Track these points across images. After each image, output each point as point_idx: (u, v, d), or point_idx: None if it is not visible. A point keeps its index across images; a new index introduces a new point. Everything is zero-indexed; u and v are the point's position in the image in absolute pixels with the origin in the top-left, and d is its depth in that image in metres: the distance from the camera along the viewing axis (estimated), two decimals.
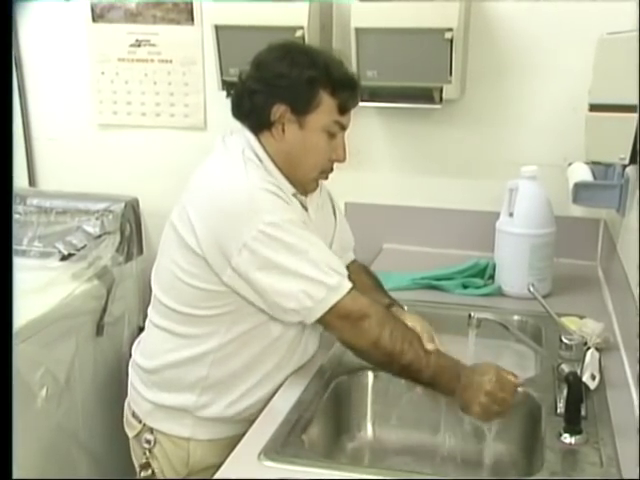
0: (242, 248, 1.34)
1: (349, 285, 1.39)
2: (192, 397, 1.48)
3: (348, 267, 1.64)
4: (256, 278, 1.36)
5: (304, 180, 1.49)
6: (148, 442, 1.53)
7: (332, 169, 1.52)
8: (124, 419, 1.61)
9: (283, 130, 1.43)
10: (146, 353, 1.56)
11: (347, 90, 1.44)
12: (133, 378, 1.59)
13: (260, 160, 1.43)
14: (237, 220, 1.35)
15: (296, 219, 1.40)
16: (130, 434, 1.59)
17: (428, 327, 1.48)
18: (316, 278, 1.35)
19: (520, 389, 1.37)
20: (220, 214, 1.37)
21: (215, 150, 1.49)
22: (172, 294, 1.47)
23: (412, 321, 1.48)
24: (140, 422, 1.55)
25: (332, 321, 1.39)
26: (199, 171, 1.48)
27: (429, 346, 1.39)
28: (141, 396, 1.54)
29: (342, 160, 1.49)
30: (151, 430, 1.53)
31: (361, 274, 1.68)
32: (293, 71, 1.40)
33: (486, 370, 1.34)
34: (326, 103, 1.42)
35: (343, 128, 1.47)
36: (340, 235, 1.67)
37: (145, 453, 1.54)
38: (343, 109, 1.45)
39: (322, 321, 1.40)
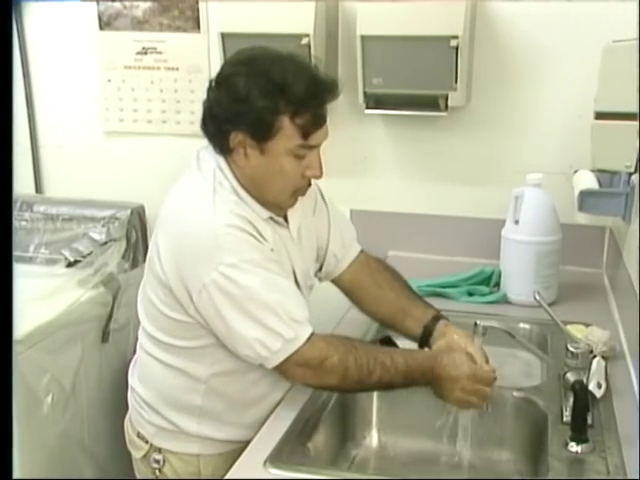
0: (202, 289, 1.30)
1: (307, 333, 1.32)
2: (192, 424, 1.45)
3: (355, 260, 1.63)
4: (214, 320, 1.33)
5: (276, 202, 1.41)
6: (157, 462, 1.49)
7: (309, 184, 1.42)
8: (126, 439, 1.58)
9: (245, 155, 1.34)
10: (142, 380, 1.53)
11: (309, 112, 1.31)
12: (133, 401, 1.56)
13: (231, 185, 1.37)
14: (198, 258, 1.31)
15: (259, 258, 1.32)
16: (137, 455, 1.54)
17: (478, 344, 1.43)
18: (273, 328, 1.30)
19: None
20: (183, 249, 1.34)
21: (190, 169, 1.43)
22: (154, 323, 1.45)
23: (460, 336, 1.45)
24: (147, 443, 1.51)
25: (290, 369, 1.33)
26: (172, 192, 1.43)
27: (486, 367, 1.37)
28: (144, 419, 1.51)
29: (318, 177, 1.40)
30: (159, 450, 1.49)
31: (383, 272, 1.62)
32: (250, 95, 1.29)
33: (459, 364, 1.34)
34: (287, 129, 1.31)
35: (313, 147, 1.36)
36: (337, 231, 1.61)
37: (155, 473, 1.50)
38: (306, 133, 1.32)
39: (280, 370, 1.34)
